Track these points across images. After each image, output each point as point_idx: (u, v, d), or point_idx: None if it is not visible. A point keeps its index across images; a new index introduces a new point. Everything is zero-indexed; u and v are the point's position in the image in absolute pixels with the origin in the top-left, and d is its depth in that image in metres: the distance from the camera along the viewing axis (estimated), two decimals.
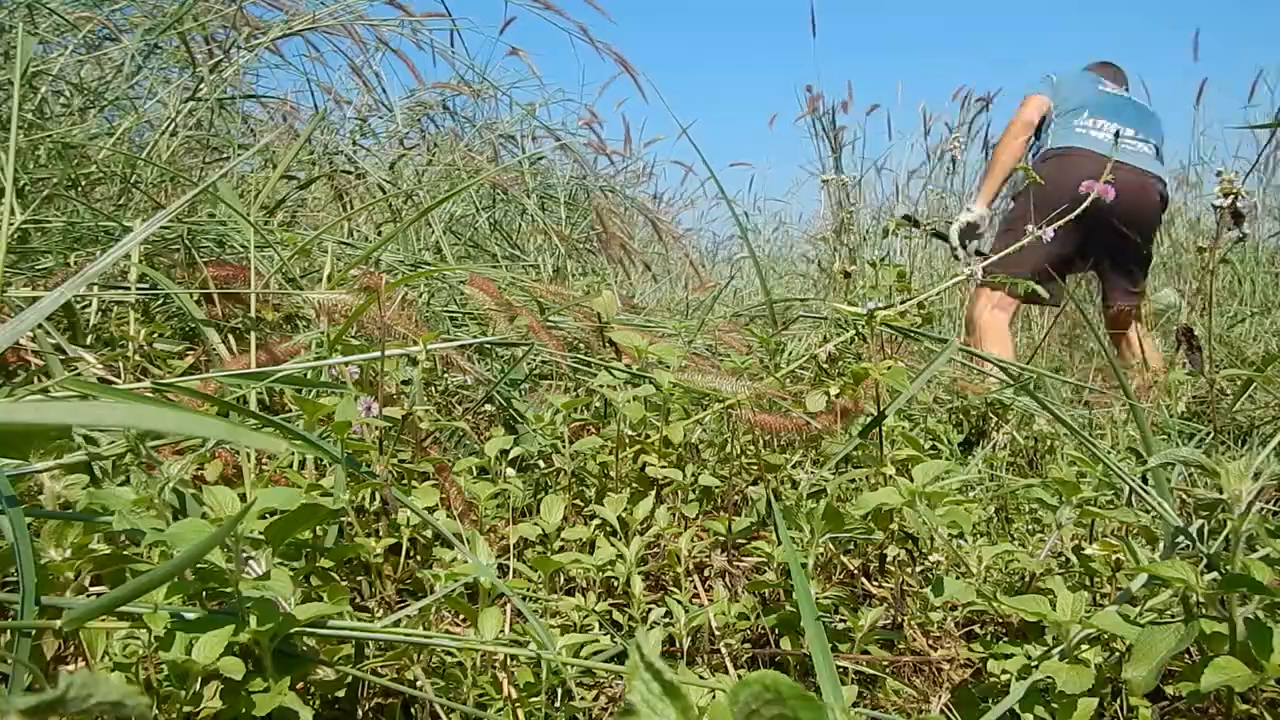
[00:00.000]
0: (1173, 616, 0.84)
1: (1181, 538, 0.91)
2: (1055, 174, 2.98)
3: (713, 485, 1.38)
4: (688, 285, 4.09)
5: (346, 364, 1.20)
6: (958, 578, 1.06)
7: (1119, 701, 0.99)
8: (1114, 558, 1.18)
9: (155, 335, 1.45)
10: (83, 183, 1.89)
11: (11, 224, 1.28)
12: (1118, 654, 0.92)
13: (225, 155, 2.34)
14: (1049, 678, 0.84)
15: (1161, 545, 0.99)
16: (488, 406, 1.64)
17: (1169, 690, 1.00)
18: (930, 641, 1.16)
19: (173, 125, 2.09)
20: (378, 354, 1.16)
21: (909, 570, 1.24)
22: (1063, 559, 1.27)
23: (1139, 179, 3.21)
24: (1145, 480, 1.11)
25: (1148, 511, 1.16)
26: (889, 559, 1.24)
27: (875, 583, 1.30)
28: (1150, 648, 0.76)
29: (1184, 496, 1.30)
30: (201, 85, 2.17)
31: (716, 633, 1.10)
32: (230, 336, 1.53)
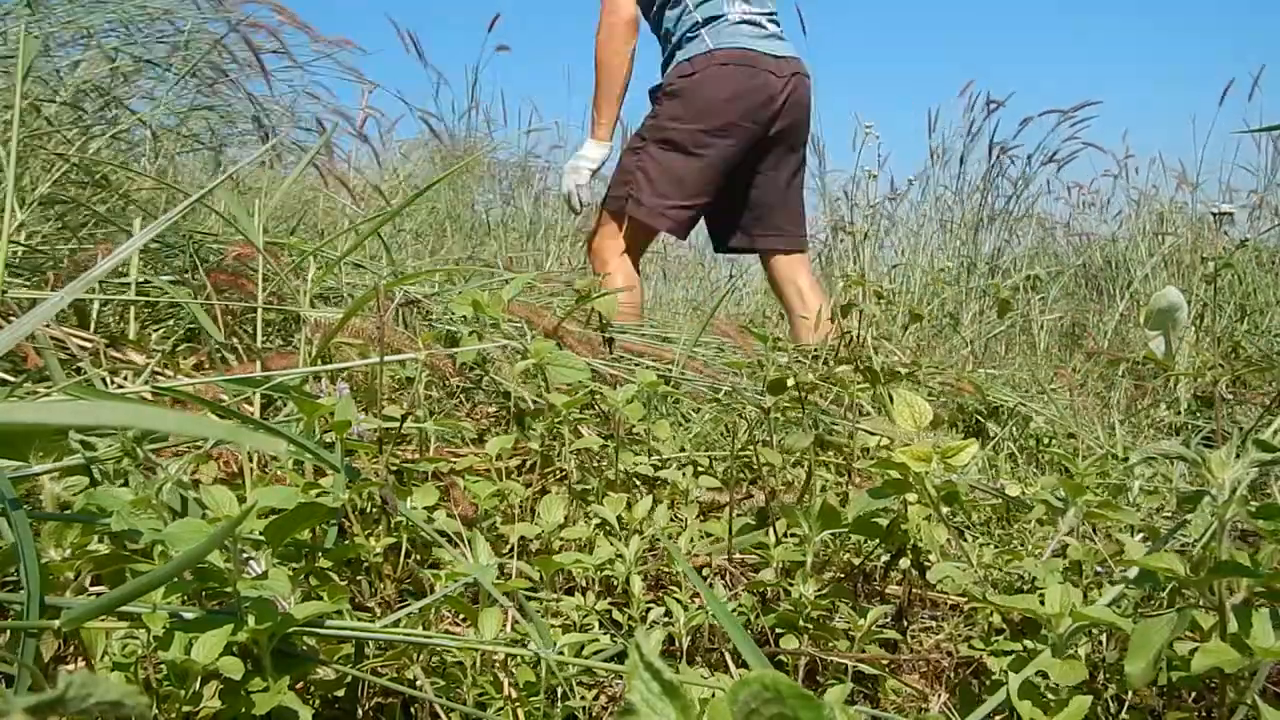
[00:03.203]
0: (1165, 606, 0.85)
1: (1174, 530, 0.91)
2: (709, 85, 2.49)
3: (712, 485, 1.38)
4: (686, 285, 4.09)
5: (346, 369, 1.20)
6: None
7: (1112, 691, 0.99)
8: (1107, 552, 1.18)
9: (154, 337, 1.45)
10: (82, 183, 1.89)
11: (11, 224, 1.28)
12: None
13: (227, 158, 2.34)
14: (1043, 672, 0.84)
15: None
16: (488, 407, 1.64)
17: (1160, 680, 1.00)
18: (930, 640, 1.16)
19: (171, 125, 2.10)
20: (376, 358, 1.16)
21: (910, 570, 1.24)
22: (1063, 559, 1.27)
23: (796, 78, 2.59)
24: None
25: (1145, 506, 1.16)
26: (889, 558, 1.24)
27: (876, 582, 1.30)
28: (1146, 640, 0.75)
29: (1181, 490, 1.30)
30: (201, 89, 2.18)
31: (716, 632, 1.10)
32: (233, 339, 1.53)
